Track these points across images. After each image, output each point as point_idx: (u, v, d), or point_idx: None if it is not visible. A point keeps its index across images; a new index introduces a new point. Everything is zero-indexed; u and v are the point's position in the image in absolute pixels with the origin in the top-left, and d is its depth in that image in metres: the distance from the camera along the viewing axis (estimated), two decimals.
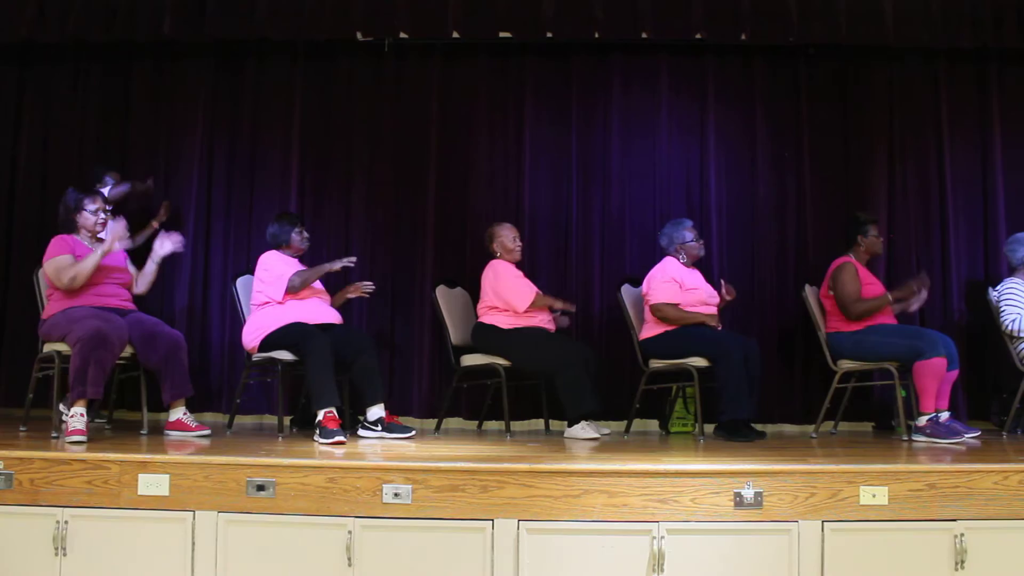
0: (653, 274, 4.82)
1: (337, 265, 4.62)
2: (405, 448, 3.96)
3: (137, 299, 4.46)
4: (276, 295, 4.50)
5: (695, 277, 4.87)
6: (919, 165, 5.46)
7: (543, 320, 4.82)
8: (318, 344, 4.27)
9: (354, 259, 4.67)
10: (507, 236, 4.92)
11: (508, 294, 4.75)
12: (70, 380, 3.92)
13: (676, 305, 4.72)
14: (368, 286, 4.73)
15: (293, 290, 4.51)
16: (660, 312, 4.71)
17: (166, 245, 4.43)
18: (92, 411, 4.18)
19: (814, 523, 3.27)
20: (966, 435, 4.43)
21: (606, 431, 4.78)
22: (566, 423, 4.66)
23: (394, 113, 5.53)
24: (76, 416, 3.85)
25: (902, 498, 3.29)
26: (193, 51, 5.51)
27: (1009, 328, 4.73)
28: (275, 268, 4.56)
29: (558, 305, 4.85)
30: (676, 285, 4.76)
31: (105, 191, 4.75)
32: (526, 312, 4.74)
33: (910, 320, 5.11)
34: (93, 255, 4.14)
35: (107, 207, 4.37)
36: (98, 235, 4.31)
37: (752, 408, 4.61)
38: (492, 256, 4.91)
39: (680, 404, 5.11)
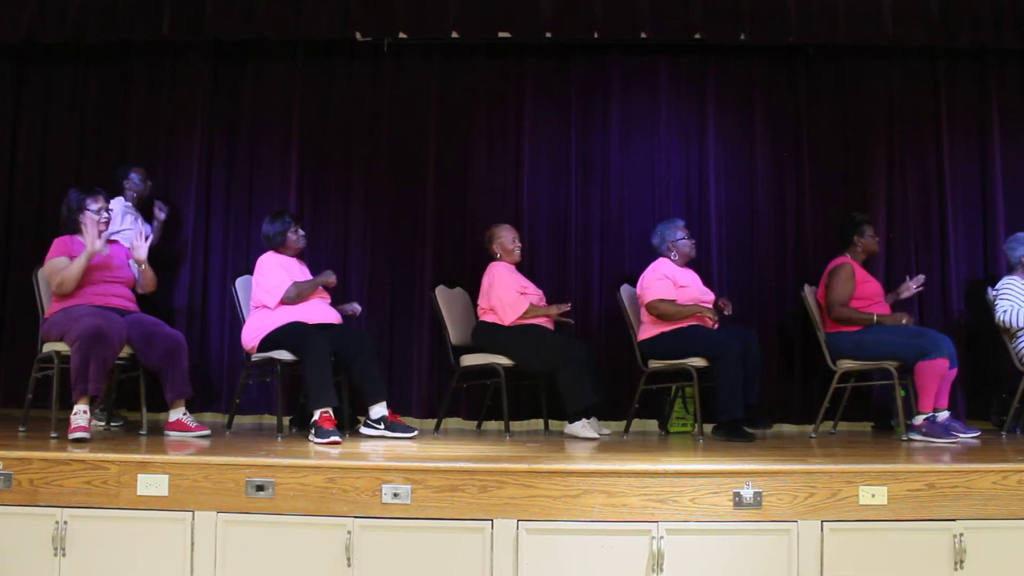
0: (646, 275, 4.82)
1: (331, 279, 4.63)
2: (404, 448, 3.96)
3: (139, 299, 4.46)
4: (270, 303, 4.49)
5: (688, 276, 4.87)
6: (918, 165, 5.47)
7: (543, 320, 4.82)
8: (316, 344, 4.26)
9: (333, 280, 4.68)
10: (507, 237, 4.92)
11: (499, 303, 4.75)
12: (71, 378, 3.92)
13: (672, 301, 4.71)
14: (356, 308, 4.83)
15: (289, 302, 4.49)
16: (656, 309, 4.70)
17: (141, 247, 4.37)
18: (94, 408, 4.18)
19: (813, 523, 3.27)
20: (963, 435, 4.44)
21: (606, 431, 4.78)
22: (566, 420, 4.66)
23: (393, 113, 5.53)
24: (79, 414, 3.86)
25: (901, 498, 3.29)
26: (192, 51, 5.50)
27: (1001, 319, 4.74)
28: (271, 274, 4.54)
29: (552, 312, 4.81)
30: (670, 282, 4.76)
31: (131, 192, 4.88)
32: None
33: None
34: (76, 262, 4.12)
35: (109, 207, 4.37)
36: (102, 234, 4.31)
37: (754, 398, 4.62)
38: (492, 257, 4.91)
39: (679, 404, 5.10)
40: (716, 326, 4.71)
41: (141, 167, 5.03)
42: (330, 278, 4.65)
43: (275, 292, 4.48)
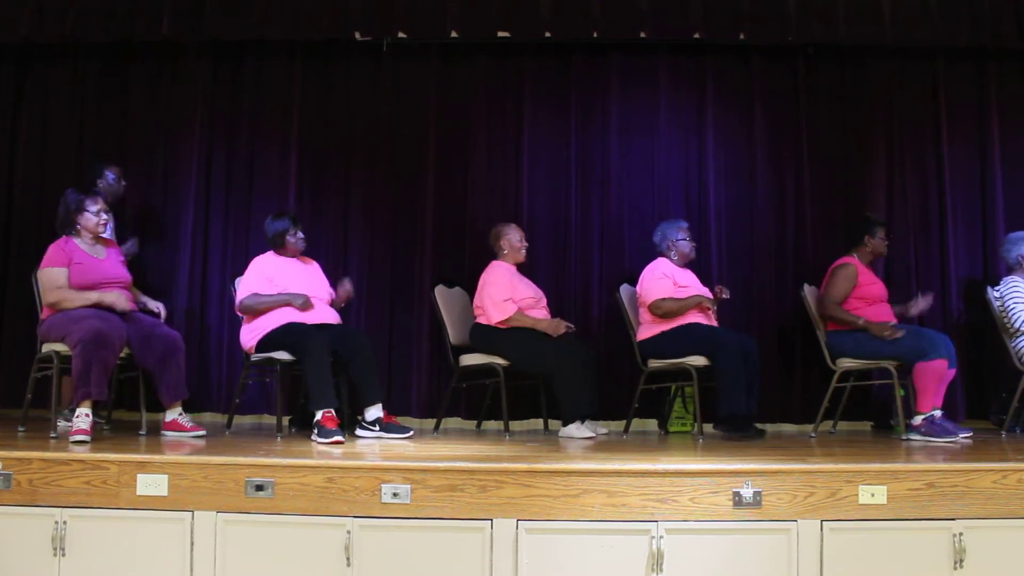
0: (645, 274, 4.83)
1: (296, 303, 4.42)
2: (404, 448, 3.96)
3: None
4: (237, 304, 4.52)
5: (687, 276, 4.87)
6: (918, 164, 5.47)
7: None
8: (315, 344, 4.26)
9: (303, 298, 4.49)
10: (514, 236, 4.90)
11: (489, 302, 4.72)
12: (73, 381, 3.92)
13: (673, 297, 4.71)
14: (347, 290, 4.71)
15: (245, 311, 4.47)
16: (659, 308, 4.69)
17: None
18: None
19: (813, 522, 3.27)
20: (959, 435, 4.43)
21: (603, 431, 4.78)
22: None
23: (392, 113, 5.52)
24: (81, 416, 3.85)
25: (901, 497, 3.29)
26: (191, 51, 5.50)
27: (1021, 326, 4.71)
28: (250, 276, 4.53)
29: (541, 327, 4.71)
30: (669, 281, 4.76)
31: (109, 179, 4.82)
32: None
33: (909, 321, 5.10)
34: (89, 294, 4.10)
35: (108, 209, 4.36)
36: (100, 235, 4.30)
37: (753, 406, 4.61)
38: (495, 255, 4.90)
39: (679, 404, 5.11)
40: (714, 314, 4.76)
41: (116, 166, 4.97)
42: (295, 302, 4.42)
43: (242, 293, 4.50)
